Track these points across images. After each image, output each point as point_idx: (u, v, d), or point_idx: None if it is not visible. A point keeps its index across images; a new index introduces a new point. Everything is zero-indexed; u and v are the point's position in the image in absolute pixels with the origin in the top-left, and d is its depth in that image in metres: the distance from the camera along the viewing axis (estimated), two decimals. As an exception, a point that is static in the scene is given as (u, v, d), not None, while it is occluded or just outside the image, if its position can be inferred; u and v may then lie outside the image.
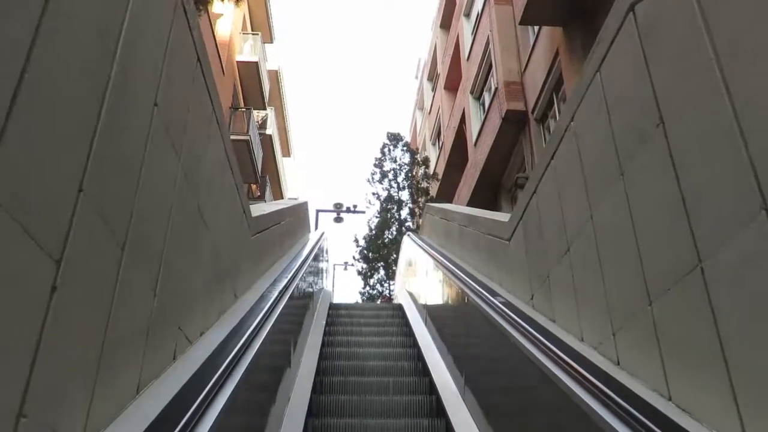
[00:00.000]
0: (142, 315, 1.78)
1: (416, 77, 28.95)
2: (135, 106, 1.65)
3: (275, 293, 3.43)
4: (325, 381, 4.55)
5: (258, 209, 4.39)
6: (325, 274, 9.30)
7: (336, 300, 10.78)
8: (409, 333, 6.24)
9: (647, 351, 1.95)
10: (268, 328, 2.95)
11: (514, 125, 13.16)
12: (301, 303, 5.09)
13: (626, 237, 2.10)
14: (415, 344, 5.73)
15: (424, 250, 6.89)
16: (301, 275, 4.79)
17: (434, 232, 7.66)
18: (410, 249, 8.90)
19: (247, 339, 2.55)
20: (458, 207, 7.81)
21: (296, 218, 6.57)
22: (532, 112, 12.69)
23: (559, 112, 11.74)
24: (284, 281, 3.85)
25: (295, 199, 17.55)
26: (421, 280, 7.11)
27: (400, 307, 7.84)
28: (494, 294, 3.52)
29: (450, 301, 4.99)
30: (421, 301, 6.78)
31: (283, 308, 3.49)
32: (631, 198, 2.08)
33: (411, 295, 8.05)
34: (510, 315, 2.91)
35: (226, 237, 2.91)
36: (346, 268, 26.76)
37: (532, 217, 3.25)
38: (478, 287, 3.80)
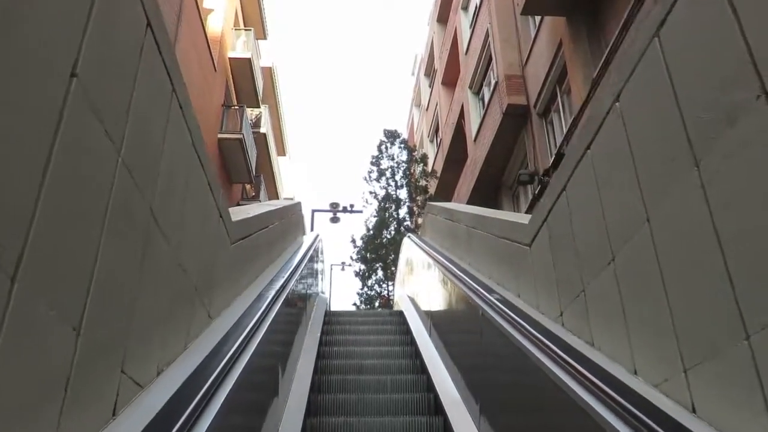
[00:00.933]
0: (57, 364, 1.28)
1: (413, 74, 28.45)
2: (32, 72, 1.15)
3: (259, 311, 2.93)
4: (322, 405, 4.03)
5: (242, 212, 3.89)
6: (320, 276, 8.78)
7: (333, 306, 10.26)
8: (412, 345, 5.78)
9: (743, 400, 1.46)
10: (248, 356, 2.45)
11: (515, 120, 12.71)
12: (292, 318, 4.59)
13: (705, 246, 1.61)
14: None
15: (426, 253, 6.38)
16: (291, 286, 4.28)
17: (437, 233, 7.15)
18: (411, 252, 8.39)
19: (219, 374, 2.06)
20: (465, 206, 7.30)
21: (288, 221, 6.05)
22: (534, 106, 12.21)
23: (563, 105, 11.25)
24: (271, 295, 3.35)
25: (291, 198, 17.08)
26: (424, 286, 6.61)
27: (401, 314, 7.35)
28: (514, 309, 3.02)
29: (458, 314, 4.49)
30: (424, 308, 6.29)
31: (267, 329, 2.99)
32: (712, 195, 1.59)
33: (413, 301, 7.55)
34: (541, 339, 2.41)
35: (195, 247, 2.40)
36: (343, 269, 26.27)
37: (560, 219, 2.75)
38: (492, 298, 3.30)
